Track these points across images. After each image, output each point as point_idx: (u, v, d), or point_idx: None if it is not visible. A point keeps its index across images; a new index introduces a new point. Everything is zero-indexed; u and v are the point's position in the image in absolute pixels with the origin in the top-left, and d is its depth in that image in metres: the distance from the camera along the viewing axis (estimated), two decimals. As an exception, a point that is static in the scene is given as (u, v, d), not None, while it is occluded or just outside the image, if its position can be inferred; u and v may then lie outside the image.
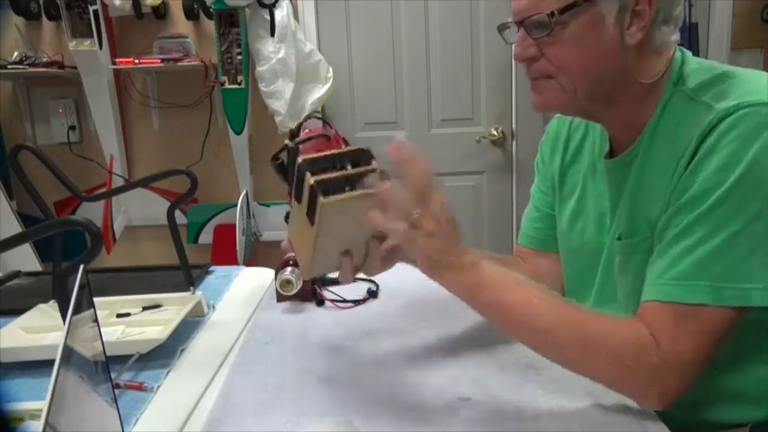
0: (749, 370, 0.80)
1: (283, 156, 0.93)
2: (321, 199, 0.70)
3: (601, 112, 0.85)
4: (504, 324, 0.76)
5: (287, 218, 0.82)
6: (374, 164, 0.75)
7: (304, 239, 0.78)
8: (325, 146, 0.92)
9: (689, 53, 0.82)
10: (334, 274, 0.85)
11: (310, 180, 0.72)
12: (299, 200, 0.76)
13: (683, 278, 0.71)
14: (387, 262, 0.82)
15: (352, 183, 0.73)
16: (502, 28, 0.83)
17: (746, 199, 0.68)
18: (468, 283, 0.75)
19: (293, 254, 0.90)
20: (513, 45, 0.83)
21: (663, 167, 0.77)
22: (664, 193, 0.76)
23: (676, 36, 0.80)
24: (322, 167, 0.73)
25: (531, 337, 0.75)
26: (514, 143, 2.73)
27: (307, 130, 0.95)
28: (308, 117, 0.99)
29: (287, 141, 0.93)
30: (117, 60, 2.45)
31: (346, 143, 0.92)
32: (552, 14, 0.75)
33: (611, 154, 0.88)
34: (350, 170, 0.73)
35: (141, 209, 2.69)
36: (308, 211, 0.74)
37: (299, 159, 0.74)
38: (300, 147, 0.91)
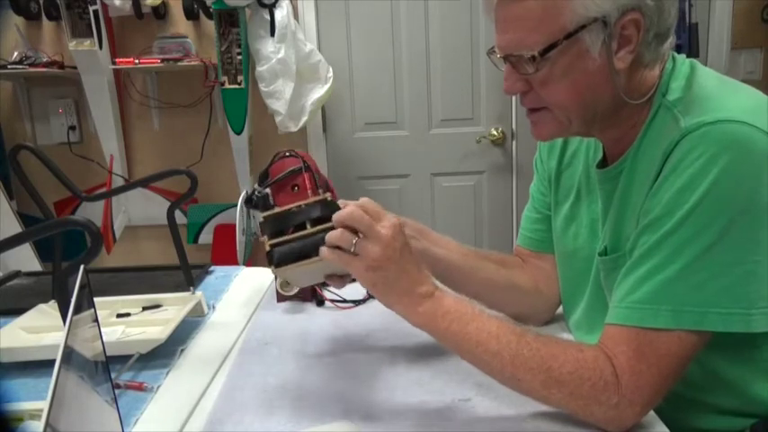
0: (743, 387, 0.79)
1: (256, 198, 0.97)
2: (273, 268, 0.76)
3: (596, 133, 0.84)
4: (461, 354, 0.76)
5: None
6: (334, 218, 0.78)
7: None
8: (299, 179, 0.95)
9: (681, 58, 0.80)
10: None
11: (266, 246, 0.78)
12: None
13: (644, 302, 0.70)
14: None
15: (309, 244, 0.76)
16: (490, 52, 0.81)
17: (707, 222, 0.67)
18: (422, 312, 0.74)
19: None
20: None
21: (642, 182, 0.76)
22: (639, 209, 0.75)
23: (669, 44, 0.77)
24: (282, 226, 0.79)
25: (489, 370, 0.74)
26: (514, 143, 2.73)
27: (282, 162, 0.97)
28: (279, 156, 1.00)
29: (256, 186, 0.96)
30: (117, 60, 2.45)
31: (315, 183, 0.95)
32: (534, 57, 0.72)
33: (605, 162, 0.87)
34: (307, 230, 0.77)
35: (141, 209, 2.69)
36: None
37: (261, 218, 0.80)
38: (276, 185, 0.95)
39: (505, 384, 0.75)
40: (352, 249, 0.72)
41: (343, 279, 0.84)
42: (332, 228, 0.74)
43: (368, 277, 0.73)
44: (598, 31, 0.71)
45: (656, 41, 0.74)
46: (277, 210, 0.81)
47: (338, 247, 0.73)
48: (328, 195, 0.81)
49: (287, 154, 1.01)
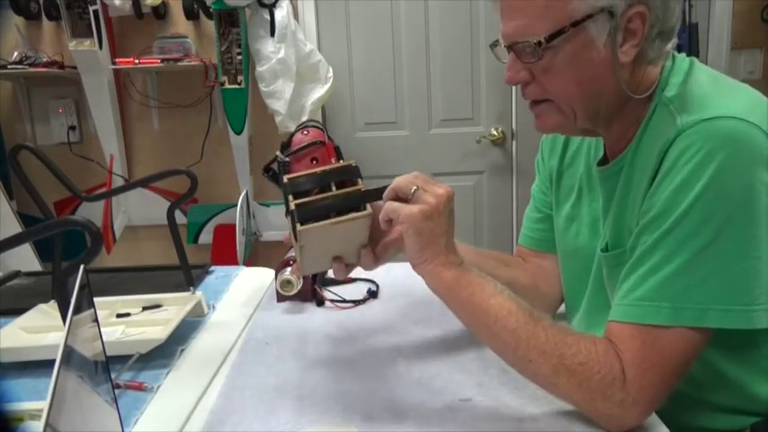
0: (743, 385, 0.79)
1: (275, 167, 0.94)
2: (298, 226, 0.74)
3: (600, 131, 0.84)
4: (475, 327, 0.76)
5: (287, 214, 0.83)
6: (359, 183, 0.78)
7: (295, 245, 0.80)
8: (320, 152, 0.93)
9: (681, 56, 0.80)
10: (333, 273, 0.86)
11: (291, 204, 0.75)
12: (287, 215, 0.78)
13: (644, 299, 0.70)
14: (381, 258, 0.84)
15: (334, 205, 0.76)
16: (493, 45, 0.81)
17: (705, 219, 0.68)
18: (448, 277, 0.75)
19: (293, 253, 0.91)
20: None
21: (641, 179, 0.76)
22: (639, 207, 0.75)
23: (672, 44, 0.77)
24: (306, 188, 0.77)
25: (501, 347, 0.75)
26: (514, 143, 2.73)
27: (305, 132, 0.95)
28: (305, 125, 0.98)
29: (278, 153, 0.95)
30: (117, 60, 2.45)
31: (338, 152, 0.94)
32: (539, 43, 0.73)
33: (606, 160, 0.87)
34: (333, 192, 0.77)
35: (141, 209, 2.69)
36: (292, 228, 0.77)
37: (285, 179, 0.78)
38: (294, 156, 0.92)
39: (513, 365, 0.75)
40: (410, 195, 0.75)
41: (347, 268, 0.84)
42: (357, 191, 0.76)
43: (418, 224, 0.73)
44: (604, 22, 0.72)
45: (659, 39, 0.75)
46: (303, 172, 0.79)
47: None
48: (353, 161, 0.80)
49: (312, 125, 1.00)
